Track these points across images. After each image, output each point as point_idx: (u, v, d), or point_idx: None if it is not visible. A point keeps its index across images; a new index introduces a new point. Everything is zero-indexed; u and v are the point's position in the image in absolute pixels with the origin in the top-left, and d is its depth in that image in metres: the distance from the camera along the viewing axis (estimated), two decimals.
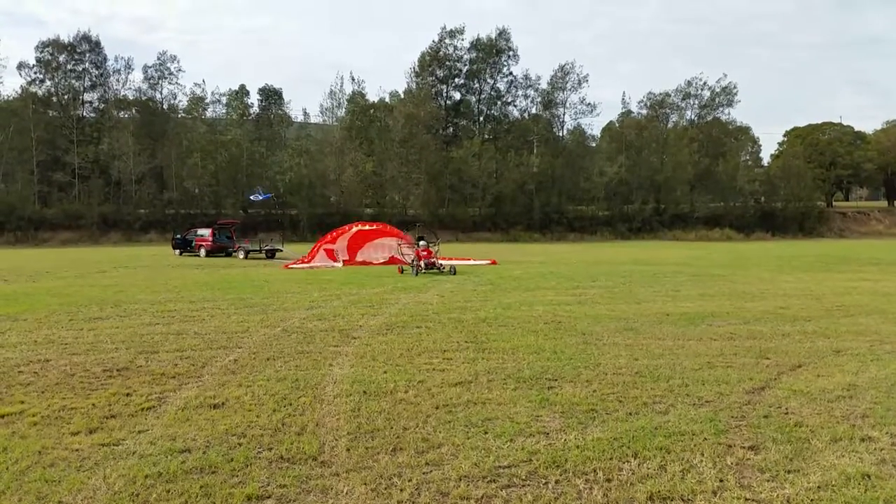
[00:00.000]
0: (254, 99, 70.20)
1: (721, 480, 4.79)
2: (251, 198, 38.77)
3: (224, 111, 69.73)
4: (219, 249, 35.20)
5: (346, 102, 68.23)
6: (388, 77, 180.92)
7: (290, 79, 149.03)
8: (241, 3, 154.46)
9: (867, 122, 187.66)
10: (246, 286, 18.43)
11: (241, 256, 33.21)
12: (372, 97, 70.59)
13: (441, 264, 22.77)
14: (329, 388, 7.24)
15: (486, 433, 5.75)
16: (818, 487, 4.64)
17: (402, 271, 23.06)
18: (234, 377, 7.72)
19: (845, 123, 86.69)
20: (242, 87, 69.62)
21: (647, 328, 11.23)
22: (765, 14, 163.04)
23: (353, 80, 75.67)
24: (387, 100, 70.97)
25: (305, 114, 73.58)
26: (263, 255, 33.76)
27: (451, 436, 5.68)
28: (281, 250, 34.55)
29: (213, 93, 68.96)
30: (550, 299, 15.34)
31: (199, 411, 6.37)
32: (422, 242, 23.68)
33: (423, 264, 22.26)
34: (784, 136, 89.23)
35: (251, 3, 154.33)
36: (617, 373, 7.97)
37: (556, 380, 7.61)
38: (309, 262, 27.75)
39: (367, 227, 31.10)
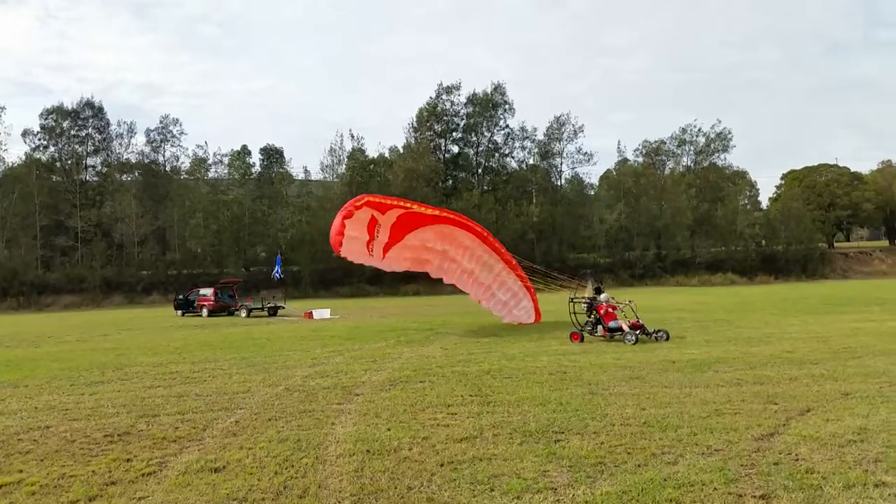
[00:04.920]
0: (255, 158, 71.26)
1: None
2: (276, 277, 38.71)
3: (226, 171, 70.71)
4: (221, 309, 35.18)
5: (346, 159, 69.16)
6: (387, 133, 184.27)
7: (291, 138, 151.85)
8: (244, 67, 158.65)
9: (863, 163, 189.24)
10: (248, 345, 18.33)
11: (244, 315, 33.15)
12: (371, 153, 71.58)
13: (653, 329, 16.32)
14: (332, 447, 7.13)
15: (492, 490, 5.63)
16: None
17: (581, 338, 16.53)
18: (235, 439, 7.61)
19: (841, 165, 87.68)
20: (244, 147, 70.78)
21: (654, 376, 11.11)
22: (754, 62, 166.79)
23: (352, 136, 76.63)
24: (386, 155, 71.91)
25: (306, 171, 74.50)
26: (266, 313, 33.71)
27: (457, 494, 5.57)
28: (283, 307, 34.52)
29: (215, 154, 70.00)
30: (555, 349, 15.23)
31: (199, 475, 6.26)
32: (603, 296, 17.35)
33: (621, 327, 16.19)
34: (781, 178, 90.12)
35: (254, 66, 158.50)
36: (624, 423, 7.85)
37: (562, 432, 7.50)
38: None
39: (429, 212, 20.09)
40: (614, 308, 16.86)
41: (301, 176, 73.53)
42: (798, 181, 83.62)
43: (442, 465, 6.35)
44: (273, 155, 71.34)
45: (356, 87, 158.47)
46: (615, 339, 16.12)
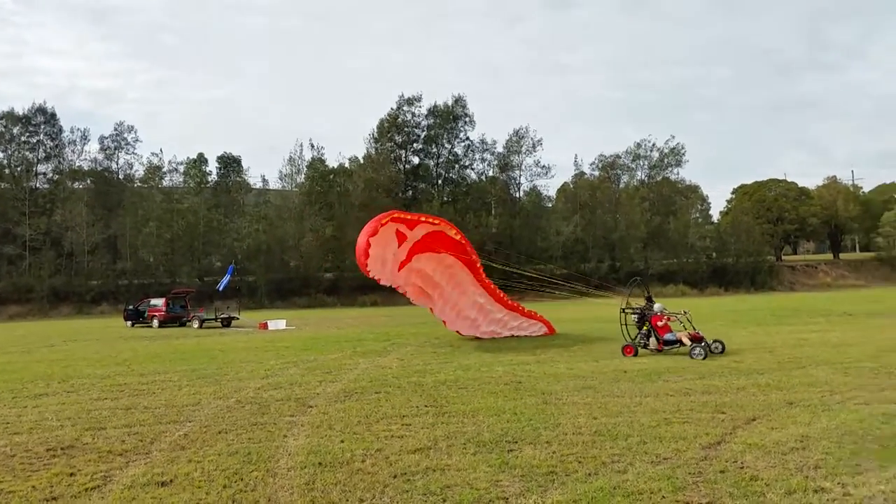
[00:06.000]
0: (212, 167, 70.02)
1: None
2: (219, 288, 37.72)
3: (182, 179, 69.31)
4: (172, 319, 34.35)
5: (305, 168, 68.62)
6: (347, 143, 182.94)
7: (249, 146, 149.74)
8: (203, 76, 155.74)
9: (810, 179, 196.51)
10: (199, 356, 17.96)
11: (196, 326, 32.44)
12: (331, 163, 71.09)
13: (712, 340, 15.40)
14: (283, 460, 7.04)
15: (444, 501, 5.64)
16: None
17: (635, 352, 15.30)
18: (183, 452, 7.46)
19: (789, 180, 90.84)
20: (201, 155, 69.41)
21: (606, 386, 11.29)
22: (706, 80, 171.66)
23: (312, 146, 75.49)
24: (346, 165, 71.49)
25: (264, 180, 73.46)
26: (219, 324, 33.06)
27: None
28: (237, 318, 33.90)
29: (170, 161, 68.43)
30: (510, 359, 15.34)
31: (146, 489, 6.11)
32: (657, 306, 16.30)
33: (680, 340, 15.29)
34: (732, 193, 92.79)
35: (212, 75, 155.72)
36: (577, 432, 7.96)
37: (516, 442, 7.56)
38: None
39: (452, 233, 19.49)
40: (669, 319, 15.90)
41: (259, 185, 72.63)
42: (748, 196, 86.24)
43: (395, 477, 6.33)
44: (230, 163, 70.28)
45: (316, 98, 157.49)
46: (671, 353, 15.22)
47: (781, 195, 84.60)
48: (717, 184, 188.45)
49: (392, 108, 70.21)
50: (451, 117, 70.39)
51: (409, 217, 18.76)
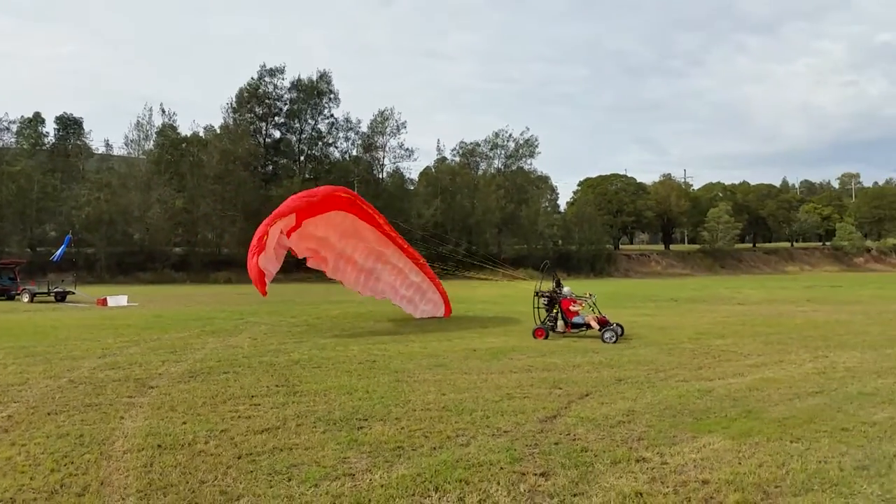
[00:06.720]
0: (50, 128, 63.33)
1: None
2: (54, 259, 34.28)
3: (14, 140, 62.15)
4: (0, 293, 31.05)
5: (154, 135, 64.03)
6: (202, 111, 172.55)
7: (92, 108, 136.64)
8: (45, 29, 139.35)
9: (647, 176, 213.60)
10: (28, 333, 16.41)
11: (26, 300, 29.54)
12: (184, 131, 66.87)
13: (615, 323, 15.52)
14: (119, 442, 6.68)
15: (290, 480, 5.64)
16: None
17: (546, 335, 15.45)
18: (6, 435, 6.88)
19: (630, 175, 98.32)
20: (37, 114, 62.35)
21: (456, 363, 11.73)
22: (563, 78, 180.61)
23: (163, 111, 70.26)
24: (201, 134, 67.59)
25: (108, 145, 67.48)
26: (53, 299, 30.29)
27: (253, 486, 5.50)
28: (73, 293, 31.23)
29: (1, 119, 61.29)
30: (367, 338, 15.46)
31: None
32: (566, 289, 16.35)
33: (588, 323, 15.54)
34: (578, 185, 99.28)
35: (57, 30, 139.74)
36: (425, 409, 8.22)
37: (366, 419, 7.68)
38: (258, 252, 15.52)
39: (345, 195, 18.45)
40: (575, 302, 15.97)
41: (102, 150, 66.82)
42: (592, 188, 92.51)
43: (239, 458, 6.23)
44: (70, 125, 63.88)
45: (171, 62, 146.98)
46: (579, 336, 15.54)
47: (622, 189, 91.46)
48: (565, 176, 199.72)
49: (253, 78, 67.33)
50: (315, 92, 68.64)
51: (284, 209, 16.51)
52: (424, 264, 20.73)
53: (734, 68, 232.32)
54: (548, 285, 16.60)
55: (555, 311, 16.03)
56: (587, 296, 16.47)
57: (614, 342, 14.55)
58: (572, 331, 15.71)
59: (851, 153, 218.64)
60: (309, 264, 19.64)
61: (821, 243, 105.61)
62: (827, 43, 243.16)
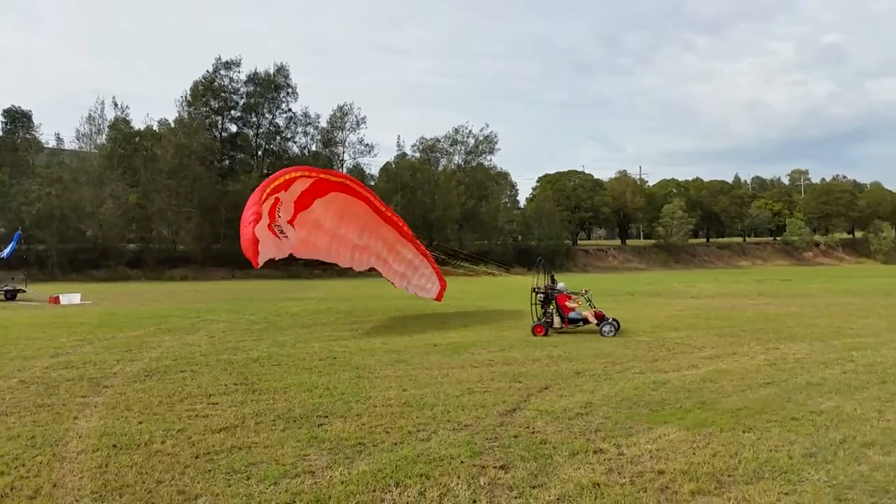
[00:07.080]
0: None
1: (474, 501, 5.18)
2: (3, 257, 32.99)
3: None
4: None
5: (107, 129, 62.21)
6: (156, 105, 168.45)
7: (41, 101, 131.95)
8: None
9: (604, 172, 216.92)
10: None
11: None
12: (138, 124, 65.16)
13: (611, 319, 15.40)
14: (73, 443, 6.52)
15: (248, 479, 5.59)
16: (557, 499, 5.21)
17: (545, 331, 15.26)
18: None
19: (587, 172, 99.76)
20: None
21: (417, 359, 11.76)
22: (517, 74, 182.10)
23: (115, 105, 68.27)
24: (155, 128, 65.93)
25: (59, 139, 65.42)
26: (2, 297, 29.25)
27: (211, 485, 5.44)
28: (24, 291, 30.20)
29: None
30: (328, 335, 15.35)
31: None
32: (560, 285, 16.55)
33: (586, 318, 15.61)
34: (537, 181, 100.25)
35: (2, 22, 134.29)
36: (386, 404, 8.23)
37: (326, 416, 7.65)
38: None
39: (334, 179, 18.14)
40: (571, 298, 16.07)
41: (52, 144, 64.67)
42: (551, 184, 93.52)
43: (197, 457, 6.14)
44: (19, 118, 61.63)
45: (124, 54, 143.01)
46: (577, 330, 15.53)
47: (579, 185, 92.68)
48: (524, 171, 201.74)
49: (208, 71, 65.92)
50: (272, 86, 67.59)
51: (278, 181, 15.98)
52: (419, 243, 20.65)
53: (682, 67, 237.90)
54: (542, 281, 16.59)
55: (551, 307, 16.10)
56: (583, 292, 16.52)
57: (612, 335, 14.68)
58: (569, 326, 15.75)
59: (800, 150, 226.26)
60: (297, 254, 18.87)
61: (772, 238, 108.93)
62: (775, 43, 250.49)
